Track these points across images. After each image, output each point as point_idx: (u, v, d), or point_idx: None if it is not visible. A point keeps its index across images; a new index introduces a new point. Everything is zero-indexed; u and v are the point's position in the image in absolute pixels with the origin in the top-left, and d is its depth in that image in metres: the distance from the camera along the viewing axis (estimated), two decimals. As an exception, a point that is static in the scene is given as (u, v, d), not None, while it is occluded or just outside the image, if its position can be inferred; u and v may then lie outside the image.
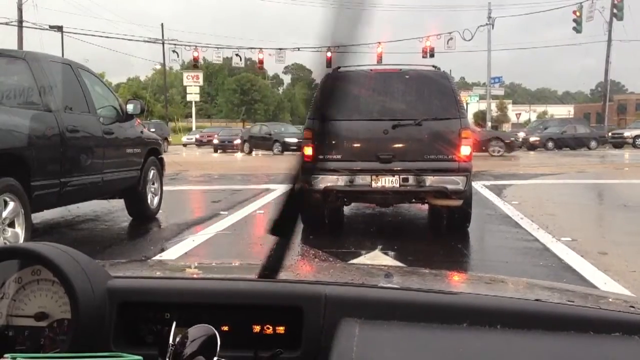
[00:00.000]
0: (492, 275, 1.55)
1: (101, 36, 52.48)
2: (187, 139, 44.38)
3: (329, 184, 6.31)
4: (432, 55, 34.65)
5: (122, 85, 65.70)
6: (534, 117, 64.76)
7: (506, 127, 56.25)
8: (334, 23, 0.97)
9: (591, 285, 4.32)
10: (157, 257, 5.42)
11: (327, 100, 1.15)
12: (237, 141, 33.63)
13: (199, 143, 40.82)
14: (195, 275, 1.45)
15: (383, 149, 6.35)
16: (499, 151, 25.30)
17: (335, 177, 6.31)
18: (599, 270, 4.94)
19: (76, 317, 1.01)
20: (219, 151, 33.68)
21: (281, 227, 1.10)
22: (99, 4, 61.99)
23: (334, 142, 6.49)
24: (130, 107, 7.24)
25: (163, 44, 44.85)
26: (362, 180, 6.34)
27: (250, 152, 31.19)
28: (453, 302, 1.05)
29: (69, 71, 6.39)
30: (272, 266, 1.14)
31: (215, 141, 34.82)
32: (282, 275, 1.19)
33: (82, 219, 7.92)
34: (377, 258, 5.40)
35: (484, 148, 24.93)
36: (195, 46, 38.99)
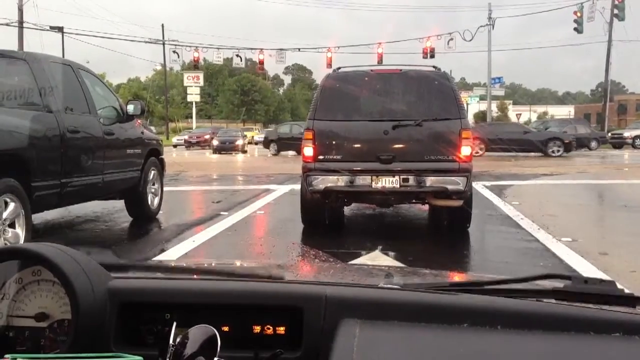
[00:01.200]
0: (493, 275, 1.55)
1: (102, 37, 52.52)
2: (177, 140, 43.70)
3: (329, 184, 6.31)
4: (432, 56, 34.61)
5: (122, 86, 65.70)
6: (534, 118, 64.76)
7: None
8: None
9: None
10: (158, 258, 5.42)
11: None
12: (239, 142, 32.73)
13: (188, 144, 39.48)
14: (195, 276, 1.45)
15: (383, 150, 6.35)
16: (557, 151, 24.65)
17: (336, 177, 6.31)
18: (599, 270, 4.94)
19: (76, 318, 1.01)
20: (217, 152, 31.79)
21: None
22: (99, 4, 61.95)
23: (334, 142, 6.49)
24: (130, 108, 7.24)
25: (164, 44, 44.90)
26: (362, 180, 6.33)
27: (277, 154, 28.83)
28: (453, 303, 1.05)
29: (69, 72, 6.39)
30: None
31: (215, 142, 33.05)
32: (283, 275, 1.19)
33: (82, 219, 7.92)
34: (377, 258, 5.39)
35: (529, 149, 24.47)
36: (196, 47, 38.98)
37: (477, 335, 0.95)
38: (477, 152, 24.67)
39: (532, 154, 24.62)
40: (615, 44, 37.34)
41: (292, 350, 1.02)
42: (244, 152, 32.27)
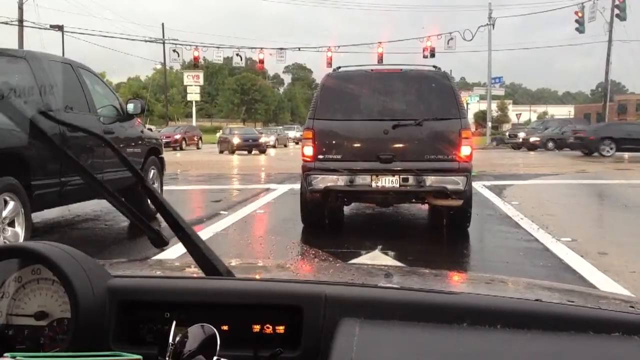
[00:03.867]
0: (492, 275, 1.56)
1: (102, 35, 52.43)
2: None
3: (329, 184, 6.31)
4: (432, 55, 34.61)
5: (122, 85, 65.72)
6: (534, 118, 64.78)
7: (506, 128, 56.29)
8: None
9: (591, 286, 4.32)
10: (157, 257, 5.41)
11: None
12: (264, 139, 31.50)
13: None
14: (195, 275, 1.45)
15: (383, 149, 6.35)
16: None
17: (336, 177, 6.31)
18: (598, 270, 4.94)
19: (76, 317, 1.00)
20: (235, 152, 29.92)
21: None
22: (99, 3, 61.97)
23: (334, 142, 6.49)
24: (130, 107, 7.24)
25: (164, 43, 44.83)
26: (362, 180, 6.33)
27: None
28: (453, 302, 1.05)
29: (69, 70, 6.39)
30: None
31: (237, 140, 30.83)
32: (282, 274, 1.19)
33: (82, 218, 7.92)
34: (377, 258, 5.39)
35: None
36: (196, 46, 38.95)
37: (477, 335, 0.95)
38: (607, 152, 24.18)
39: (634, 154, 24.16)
40: (615, 43, 37.25)
41: (291, 350, 1.02)
42: (263, 151, 30.88)
